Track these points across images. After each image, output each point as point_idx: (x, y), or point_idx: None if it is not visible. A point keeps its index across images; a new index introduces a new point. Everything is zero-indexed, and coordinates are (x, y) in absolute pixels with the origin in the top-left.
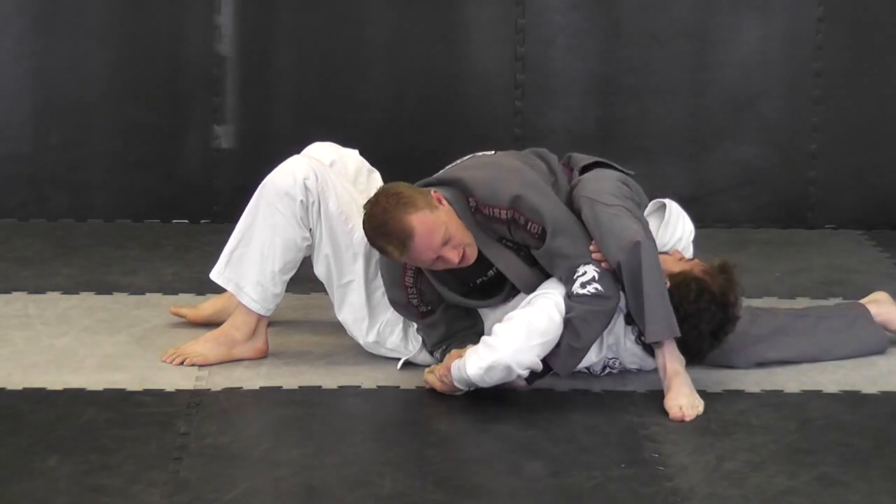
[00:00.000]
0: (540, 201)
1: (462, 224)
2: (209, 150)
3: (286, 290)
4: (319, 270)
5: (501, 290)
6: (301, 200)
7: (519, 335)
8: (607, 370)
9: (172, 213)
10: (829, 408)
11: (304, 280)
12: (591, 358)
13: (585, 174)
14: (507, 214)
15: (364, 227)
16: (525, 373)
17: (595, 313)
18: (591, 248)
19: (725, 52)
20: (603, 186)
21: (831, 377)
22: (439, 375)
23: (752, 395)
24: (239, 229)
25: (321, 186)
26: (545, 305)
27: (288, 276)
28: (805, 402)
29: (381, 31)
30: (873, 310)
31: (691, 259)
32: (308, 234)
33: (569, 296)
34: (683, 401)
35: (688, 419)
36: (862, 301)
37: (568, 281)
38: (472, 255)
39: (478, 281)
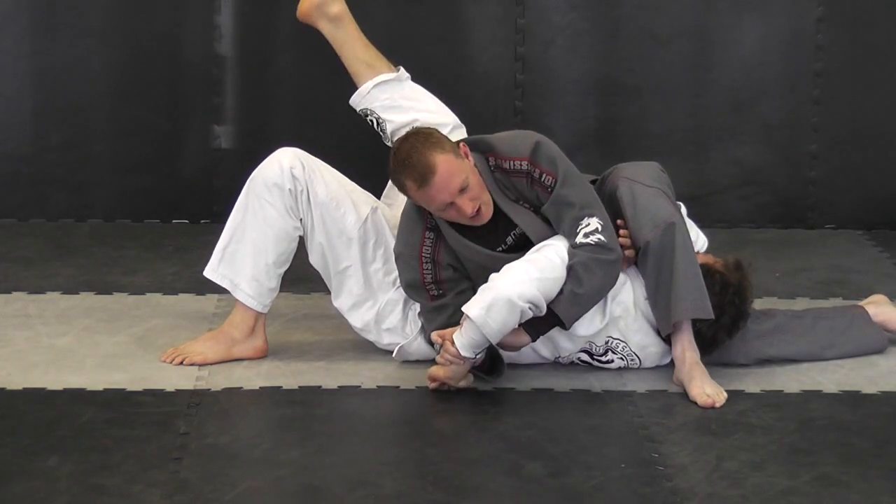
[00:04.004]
0: (556, 153)
1: (483, 183)
2: (209, 150)
3: (286, 291)
4: (315, 259)
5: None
6: (290, 189)
7: (516, 272)
8: (609, 354)
9: (172, 213)
10: (829, 408)
11: (304, 280)
12: (596, 324)
13: (621, 164)
14: (525, 166)
15: (390, 162)
16: (528, 307)
17: (598, 261)
18: (620, 230)
19: (725, 52)
20: (642, 171)
21: (831, 377)
22: (442, 355)
23: (752, 395)
24: (230, 224)
25: (308, 174)
26: (544, 251)
27: (282, 270)
28: (805, 402)
29: (381, 31)
30: (871, 311)
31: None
32: (299, 224)
33: (573, 246)
34: (709, 389)
35: (718, 405)
36: (860, 304)
37: (572, 233)
38: (486, 214)
39: (497, 250)
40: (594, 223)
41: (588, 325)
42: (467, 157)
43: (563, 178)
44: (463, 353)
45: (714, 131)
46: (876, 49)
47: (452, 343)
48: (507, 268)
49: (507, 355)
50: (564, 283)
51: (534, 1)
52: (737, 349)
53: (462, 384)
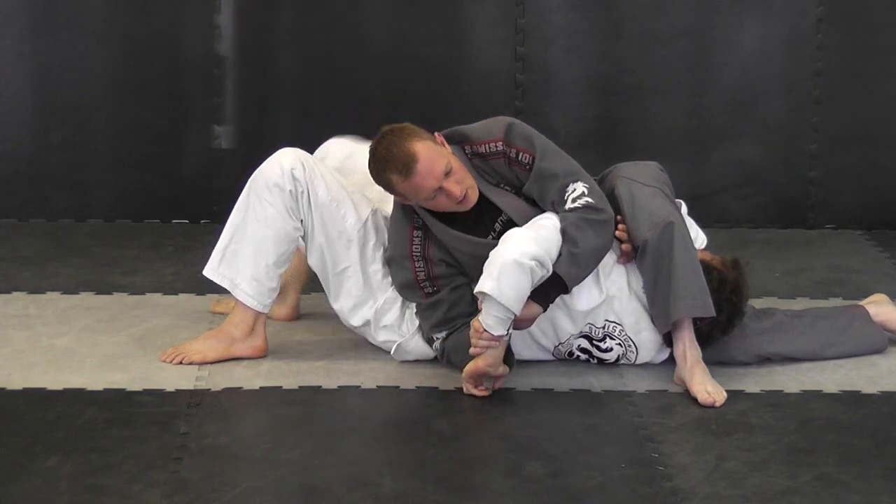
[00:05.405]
0: (531, 131)
1: (464, 167)
2: (209, 150)
3: None
4: (313, 261)
5: None
6: (290, 190)
7: (514, 237)
8: (607, 340)
9: (172, 213)
10: (829, 408)
11: None
12: (595, 296)
13: (620, 163)
14: (500, 147)
15: (369, 164)
16: (535, 265)
17: (588, 221)
18: (618, 227)
19: (725, 52)
20: (641, 170)
21: (831, 377)
22: (476, 343)
23: (752, 395)
24: (231, 224)
25: (309, 175)
26: (537, 221)
27: (282, 270)
28: (805, 402)
29: (382, 30)
30: (872, 310)
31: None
32: (299, 225)
33: (562, 212)
34: (710, 387)
35: (718, 404)
36: (860, 303)
37: (560, 202)
38: (473, 197)
39: (486, 238)
40: (580, 188)
41: (587, 299)
42: (444, 145)
43: (541, 154)
44: (495, 333)
45: (714, 131)
46: (876, 49)
47: (482, 329)
48: (503, 239)
49: None
50: (562, 247)
51: (534, 1)
52: (736, 346)
53: (500, 371)
